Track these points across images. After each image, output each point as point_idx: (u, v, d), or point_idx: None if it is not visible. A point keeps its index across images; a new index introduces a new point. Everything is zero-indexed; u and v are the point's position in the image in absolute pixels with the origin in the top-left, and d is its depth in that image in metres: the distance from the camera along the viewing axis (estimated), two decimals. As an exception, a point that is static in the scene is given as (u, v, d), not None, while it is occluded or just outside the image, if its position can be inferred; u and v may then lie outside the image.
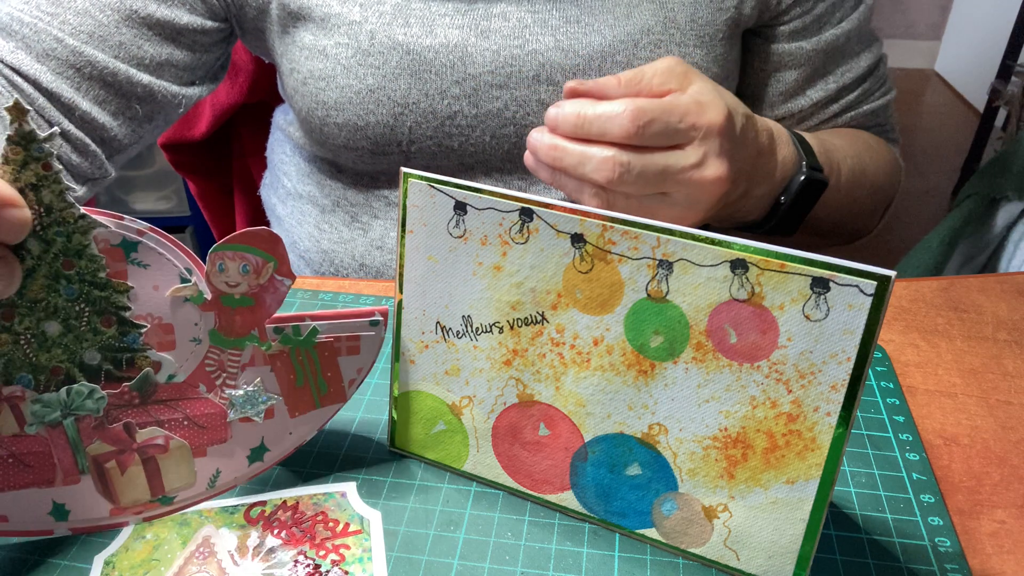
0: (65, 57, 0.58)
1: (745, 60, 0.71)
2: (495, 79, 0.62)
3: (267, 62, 0.77)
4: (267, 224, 0.86)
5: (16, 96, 0.57)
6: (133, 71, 0.60)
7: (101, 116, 0.60)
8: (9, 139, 0.33)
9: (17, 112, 0.32)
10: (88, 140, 0.61)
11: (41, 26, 0.58)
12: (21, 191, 0.34)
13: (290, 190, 0.75)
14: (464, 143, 0.64)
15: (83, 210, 0.36)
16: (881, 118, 0.76)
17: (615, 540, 0.41)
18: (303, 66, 0.64)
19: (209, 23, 0.64)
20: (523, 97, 0.63)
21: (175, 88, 0.64)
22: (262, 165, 0.86)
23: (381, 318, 0.41)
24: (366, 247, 0.69)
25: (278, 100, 0.80)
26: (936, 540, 0.41)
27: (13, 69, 0.58)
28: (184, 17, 0.62)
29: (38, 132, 0.33)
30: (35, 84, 0.58)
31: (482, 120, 0.63)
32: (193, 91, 0.66)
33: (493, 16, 0.62)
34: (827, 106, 0.72)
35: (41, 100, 0.58)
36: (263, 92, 0.89)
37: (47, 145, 0.34)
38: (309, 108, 0.65)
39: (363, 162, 0.67)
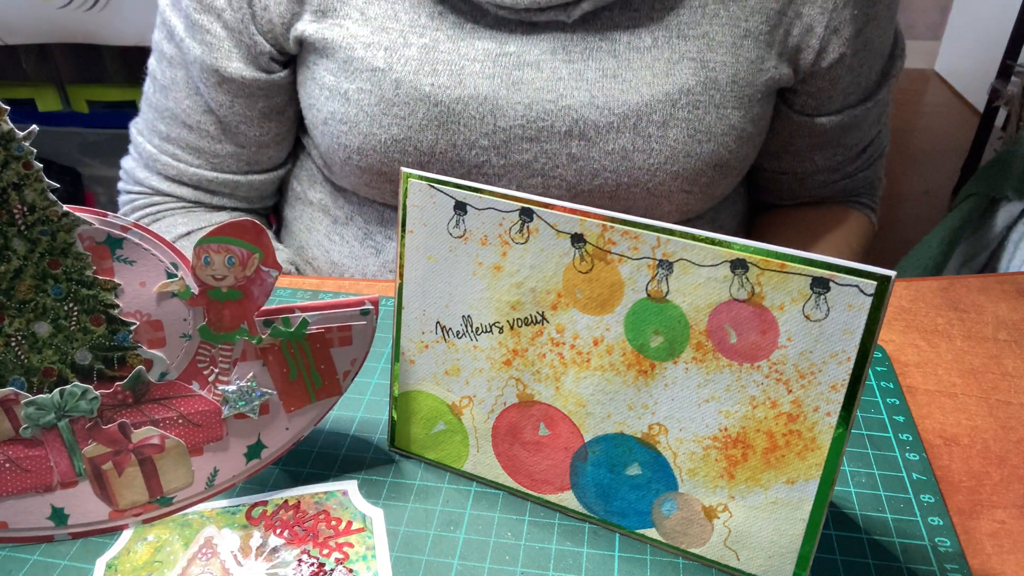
0: (249, 187, 0.72)
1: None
2: (526, 132, 0.60)
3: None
4: (269, 226, 0.86)
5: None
6: (284, 171, 0.73)
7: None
8: None
9: None
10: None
11: (224, 178, 0.70)
12: (3, 191, 0.34)
13: (299, 194, 0.74)
14: None
15: (66, 208, 0.36)
16: (871, 176, 0.77)
17: (615, 540, 0.41)
18: (324, 105, 0.62)
19: (277, 75, 0.66)
20: (553, 151, 0.61)
21: (259, 178, 0.73)
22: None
23: (372, 307, 0.41)
24: (378, 267, 0.68)
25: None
26: (936, 540, 0.41)
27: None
28: (292, 112, 0.69)
29: (17, 131, 0.33)
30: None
31: (509, 170, 0.62)
32: (273, 176, 0.74)
33: (526, 65, 0.59)
34: (827, 173, 0.73)
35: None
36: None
37: (27, 144, 0.33)
38: (331, 147, 0.63)
39: (381, 197, 0.66)
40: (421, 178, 0.39)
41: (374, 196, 0.66)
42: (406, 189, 0.40)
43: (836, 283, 0.33)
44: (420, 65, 0.59)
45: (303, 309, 0.40)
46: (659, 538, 0.40)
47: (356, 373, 0.43)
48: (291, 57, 0.65)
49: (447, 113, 0.59)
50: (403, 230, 0.41)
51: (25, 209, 0.35)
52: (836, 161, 0.71)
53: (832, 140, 0.69)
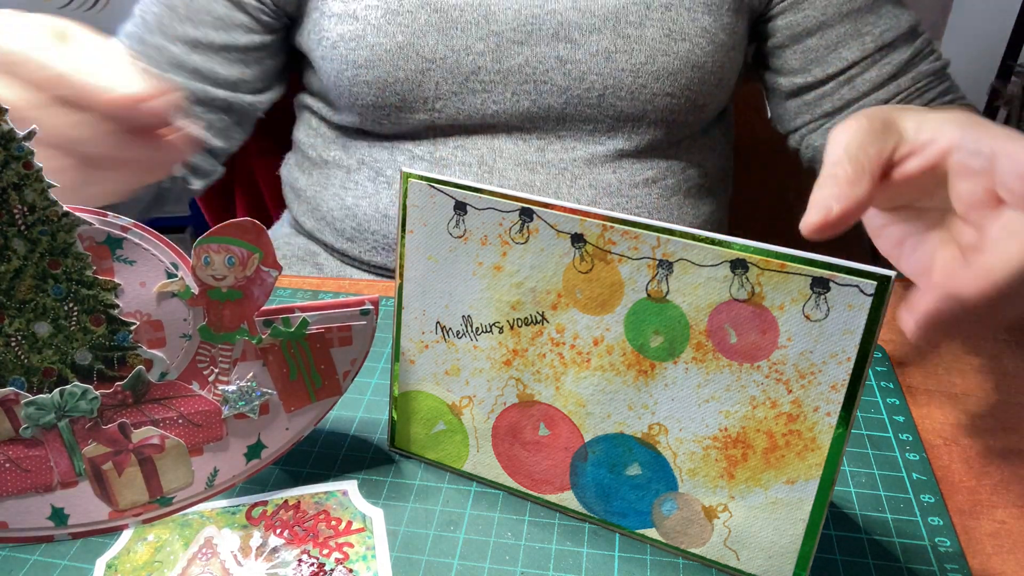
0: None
1: (760, 51, 0.73)
2: (516, 36, 0.65)
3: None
4: (274, 215, 0.86)
5: None
6: (210, 88, 0.69)
7: (208, 135, 0.71)
8: None
9: None
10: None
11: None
12: (3, 191, 0.34)
13: (315, 160, 0.77)
14: (487, 99, 0.67)
15: (66, 208, 0.35)
16: (948, 81, 0.71)
17: (615, 540, 0.41)
18: (332, 31, 0.68)
19: (268, 37, 0.71)
20: (542, 54, 0.66)
21: (249, 98, 0.72)
22: (263, 165, 0.86)
23: (372, 307, 0.41)
24: (390, 199, 0.72)
25: (282, 99, 0.81)
26: (936, 540, 0.41)
27: None
28: (242, 39, 0.69)
29: (17, 131, 0.33)
30: None
31: (504, 76, 0.66)
32: (265, 97, 0.74)
33: None
34: (870, 68, 0.70)
35: None
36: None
37: (27, 144, 0.33)
38: (339, 71, 0.68)
39: (389, 122, 0.70)
40: (421, 178, 0.39)
41: (379, 119, 0.70)
42: (406, 189, 0.40)
43: (836, 283, 0.33)
44: None
45: (303, 309, 0.40)
46: (659, 538, 0.40)
47: (356, 373, 0.43)
48: (284, 21, 0.71)
49: (445, 18, 0.65)
50: (403, 230, 0.41)
51: (25, 209, 0.35)
52: (869, 49, 0.69)
53: (850, 31, 0.69)
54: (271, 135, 0.85)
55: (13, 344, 0.37)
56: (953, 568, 0.39)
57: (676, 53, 0.66)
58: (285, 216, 0.85)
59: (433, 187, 0.39)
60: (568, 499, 0.42)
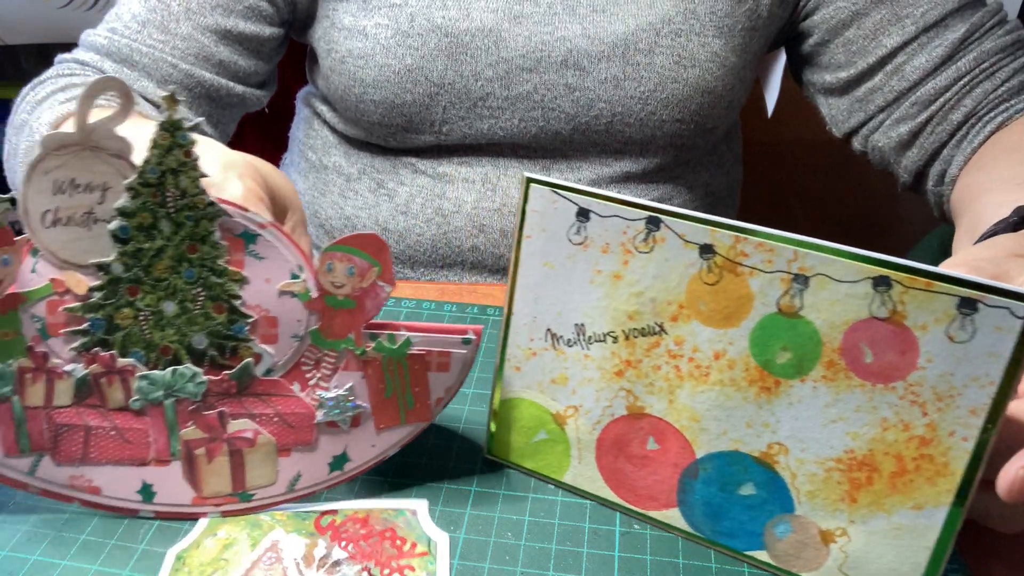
0: (180, 80, 0.65)
1: (804, 52, 0.72)
2: (526, 63, 0.65)
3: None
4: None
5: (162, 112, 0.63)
6: (231, 84, 0.68)
7: (207, 128, 0.68)
8: (160, 125, 0.35)
9: (170, 102, 0.35)
10: None
11: (157, 54, 0.65)
12: (163, 174, 0.36)
13: (314, 163, 0.76)
14: (494, 125, 0.67)
15: (213, 197, 0.37)
16: (988, 67, 0.64)
17: (615, 540, 0.41)
18: (342, 45, 0.67)
19: (282, 30, 0.71)
20: (551, 81, 0.66)
21: (259, 92, 0.71)
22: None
23: (474, 337, 0.41)
24: (391, 212, 0.71)
25: (283, 99, 0.81)
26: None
27: (139, 95, 0.65)
28: (266, 31, 0.69)
29: (185, 121, 0.36)
30: (157, 107, 0.66)
31: (512, 103, 0.66)
32: (267, 92, 0.73)
33: (525, 1, 0.65)
34: (918, 54, 0.65)
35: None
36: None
37: (191, 134, 0.36)
38: (346, 86, 0.67)
39: (395, 140, 0.69)
40: (544, 183, 0.39)
41: (385, 137, 0.69)
42: (526, 193, 0.39)
43: (985, 304, 0.32)
44: (432, 1, 0.65)
45: (408, 329, 0.40)
46: (770, 561, 0.39)
47: (448, 402, 0.42)
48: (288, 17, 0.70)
49: (456, 44, 0.64)
50: (520, 235, 0.40)
51: (177, 193, 0.36)
52: (910, 33, 0.65)
53: (886, 17, 0.65)
54: (271, 134, 0.84)
55: (141, 319, 0.38)
56: (953, 568, 0.39)
57: (686, 80, 0.65)
58: None
59: (556, 192, 0.38)
60: (674, 517, 0.41)
